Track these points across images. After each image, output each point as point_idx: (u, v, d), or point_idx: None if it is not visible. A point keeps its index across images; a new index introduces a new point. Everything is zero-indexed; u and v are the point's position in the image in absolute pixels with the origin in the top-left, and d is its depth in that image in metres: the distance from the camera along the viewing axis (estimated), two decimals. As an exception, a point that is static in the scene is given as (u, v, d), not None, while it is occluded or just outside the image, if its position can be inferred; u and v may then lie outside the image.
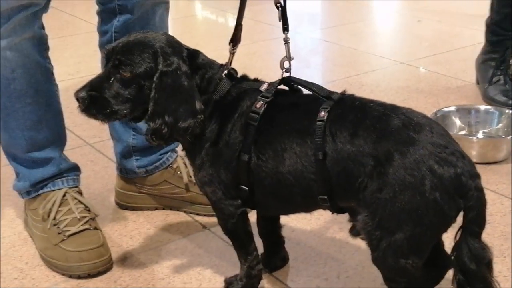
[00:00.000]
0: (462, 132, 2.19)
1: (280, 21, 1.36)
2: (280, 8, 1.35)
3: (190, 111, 1.25)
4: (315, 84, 1.29)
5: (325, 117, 1.19)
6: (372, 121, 1.16)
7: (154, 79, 1.24)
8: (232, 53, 1.35)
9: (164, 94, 1.24)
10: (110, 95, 1.26)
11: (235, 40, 1.36)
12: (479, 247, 1.14)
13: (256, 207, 1.37)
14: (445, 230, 1.18)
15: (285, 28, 1.36)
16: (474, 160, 2.00)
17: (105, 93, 1.26)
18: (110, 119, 1.30)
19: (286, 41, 1.35)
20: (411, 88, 2.70)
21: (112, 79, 1.26)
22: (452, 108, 2.23)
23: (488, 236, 1.60)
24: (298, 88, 1.33)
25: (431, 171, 1.09)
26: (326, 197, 1.21)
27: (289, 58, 1.34)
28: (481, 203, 1.13)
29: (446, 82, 2.76)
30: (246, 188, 1.29)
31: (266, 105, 1.25)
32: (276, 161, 1.23)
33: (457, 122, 2.21)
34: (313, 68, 3.08)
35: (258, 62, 2.96)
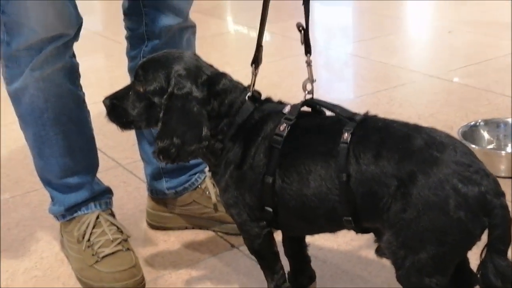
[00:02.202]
0: (491, 146, 2.17)
1: (302, 44, 1.37)
2: (302, 31, 1.35)
3: (196, 136, 1.28)
4: (337, 105, 1.30)
5: (348, 139, 1.20)
6: (396, 142, 1.17)
7: (163, 100, 1.30)
8: (254, 75, 1.37)
9: (173, 116, 1.29)
10: (127, 106, 1.34)
11: (256, 61, 1.37)
12: (505, 265, 1.13)
13: (281, 228, 1.39)
14: (469, 249, 1.18)
15: (307, 51, 1.37)
16: (503, 174, 2.03)
17: (123, 103, 1.35)
18: (127, 127, 1.39)
19: (309, 63, 1.36)
20: (441, 102, 2.69)
21: (131, 91, 1.34)
22: (481, 122, 2.21)
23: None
24: (321, 109, 1.35)
25: (455, 190, 1.10)
26: (350, 218, 1.22)
27: (311, 80, 1.35)
28: (506, 221, 1.13)
29: (477, 95, 2.73)
30: (271, 210, 1.30)
31: (289, 127, 1.27)
32: (301, 184, 1.24)
33: (486, 135, 2.19)
34: (342, 83, 3.09)
35: (288, 79, 2.96)
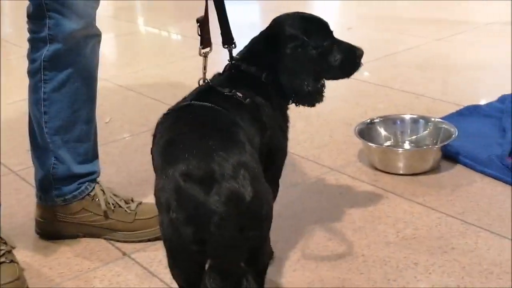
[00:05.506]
0: (388, 143, 2.19)
1: (198, 35, 1.48)
2: (198, 24, 1.46)
3: None
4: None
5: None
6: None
7: None
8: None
9: None
10: None
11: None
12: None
13: None
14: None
15: (201, 42, 1.48)
16: (400, 172, 2.03)
17: None
18: None
19: (205, 55, 1.49)
20: (339, 98, 2.67)
21: None
22: (377, 119, 2.22)
23: (414, 252, 1.59)
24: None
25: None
26: None
27: (204, 74, 1.46)
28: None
29: (375, 91, 2.77)
30: None
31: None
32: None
33: (383, 132, 2.20)
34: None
35: (188, 80, 2.86)
